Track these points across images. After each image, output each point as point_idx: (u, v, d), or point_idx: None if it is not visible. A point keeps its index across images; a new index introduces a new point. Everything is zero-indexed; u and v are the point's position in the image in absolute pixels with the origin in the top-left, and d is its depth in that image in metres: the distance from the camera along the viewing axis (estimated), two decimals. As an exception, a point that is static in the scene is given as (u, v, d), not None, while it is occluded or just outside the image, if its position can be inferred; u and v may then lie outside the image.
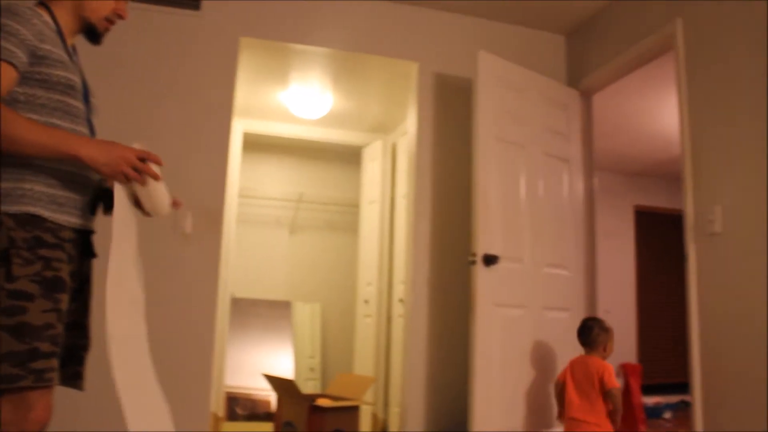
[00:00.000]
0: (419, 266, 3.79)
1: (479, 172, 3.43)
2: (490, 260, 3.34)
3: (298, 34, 3.78)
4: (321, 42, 3.82)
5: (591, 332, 3.22)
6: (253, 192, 6.00)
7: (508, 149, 3.61)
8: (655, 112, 5.45)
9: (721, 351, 2.82)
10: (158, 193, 1.71)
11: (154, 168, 1.68)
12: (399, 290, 4.72)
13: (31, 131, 1.53)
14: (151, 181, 1.67)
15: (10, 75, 1.55)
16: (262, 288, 5.98)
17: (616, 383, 3.04)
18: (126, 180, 1.65)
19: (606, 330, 3.21)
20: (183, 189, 3.38)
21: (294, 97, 4.79)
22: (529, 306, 3.55)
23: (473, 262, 3.34)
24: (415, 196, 3.85)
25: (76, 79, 1.70)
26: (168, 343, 3.25)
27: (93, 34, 1.81)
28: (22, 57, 1.57)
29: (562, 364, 3.64)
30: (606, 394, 3.04)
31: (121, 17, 1.84)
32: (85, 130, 1.72)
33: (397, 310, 4.75)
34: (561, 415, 3.29)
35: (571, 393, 3.17)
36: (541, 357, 3.57)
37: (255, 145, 5.99)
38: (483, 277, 3.34)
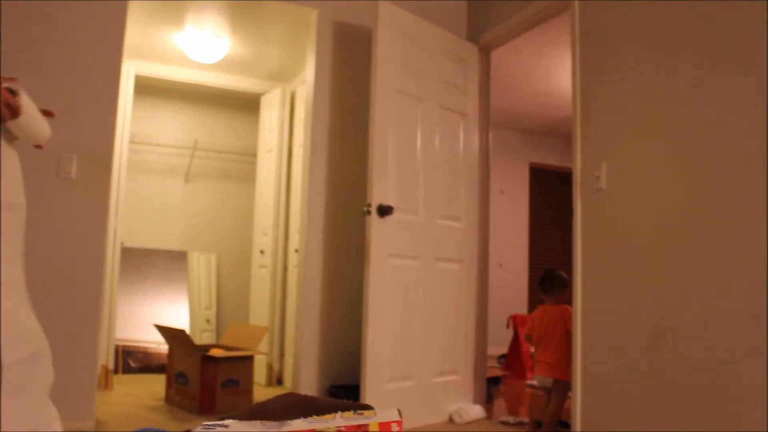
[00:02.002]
0: (314, 216, 3.77)
1: (376, 124, 3.42)
2: (384, 211, 3.36)
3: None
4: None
5: (554, 281, 3.48)
6: (146, 138, 5.76)
7: (406, 101, 3.61)
8: (553, 71, 5.59)
9: (602, 303, 2.97)
10: (34, 122, 1.61)
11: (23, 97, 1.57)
12: (295, 240, 4.69)
13: None
14: (24, 114, 1.57)
15: None
16: (157, 238, 5.80)
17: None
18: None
19: (566, 278, 3.46)
20: (68, 132, 3.20)
21: (190, 40, 4.59)
22: (422, 257, 3.61)
23: (368, 213, 3.35)
24: (311, 145, 3.80)
25: None
26: (53, 294, 3.11)
27: None
28: None
29: (454, 313, 3.74)
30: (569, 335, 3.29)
31: None
32: None
33: (293, 260, 4.72)
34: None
35: (540, 341, 3.47)
36: (434, 307, 3.65)
37: (148, 89, 5.73)
38: (377, 228, 3.35)
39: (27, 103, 1.59)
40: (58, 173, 3.20)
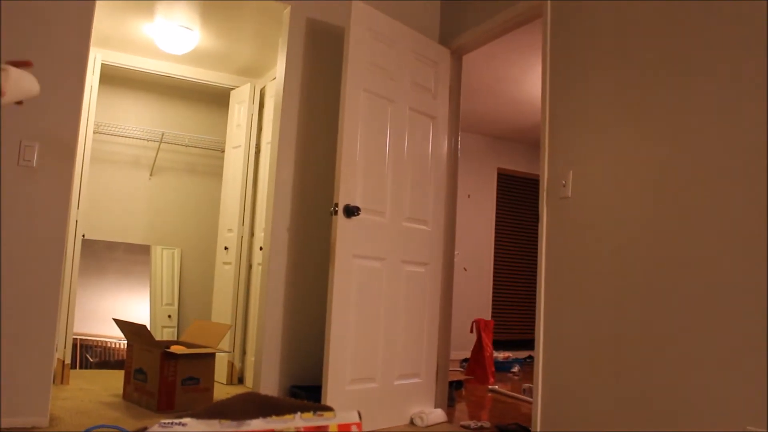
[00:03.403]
0: (280, 214, 3.74)
1: (345, 123, 3.40)
2: (350, 211, 3.34)
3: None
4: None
5: None
6: (111, 129, 5.66)
7: (375, 102, 3.60)
8: (524, 78, 5.63)
9: (565, 308, 3.00)
10: (18, 86, 1.57)
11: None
12: (260, 238, 4.65)
13: None
14: (8, 84, 1.52)
15: None
16: (119, 231, 5.70)
17: None
18: None
19: None
20: (30, 119, 3.13)
21: (159, 30, 4.52)
22: (387, 258, 3.60)
23: (334, 213, 3.34)
24: (279, 142, 3.77)
25: None
26: (10, 284, 3.03)
27: None
28: None
29: (418, 316, 3.74)
30: None
31: None
32: None
33: (258, 258, 4.68)
34: None
35: None
36: (398, 309, 3.65)
37: (115, 78, 5.64)
38: (343, 228, 3.34)
39: (15, 76, 1.54)
40: (18, 161, 3.12)
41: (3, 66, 1.50)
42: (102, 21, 4.40)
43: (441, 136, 4.03)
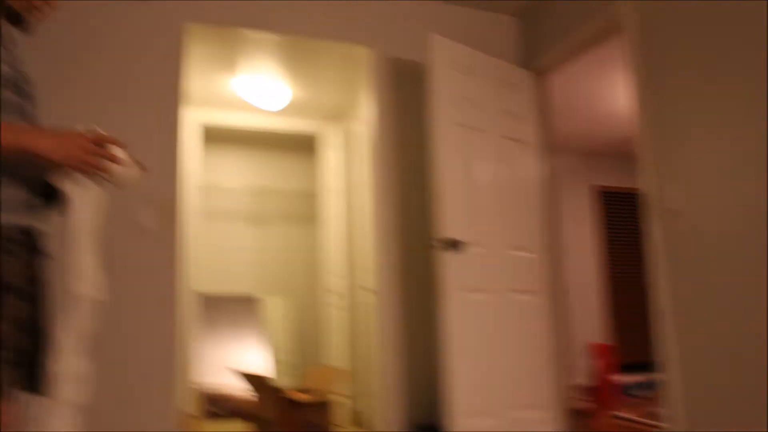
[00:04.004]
0: (384, 253, 3.77)
1: (438, 158, 3.42)
2: (454, 245, 3.34)
3: (247, 19, 3.71)
4: (271, 27, 3.76)
5: None
6: (214, 185, 5.91)
7: (465, 133, 3.60)
8: (611, 90, 5.51)
9: (688, 327, 2.86)
10: (125, 174, 1.64)
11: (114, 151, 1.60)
12: (366, 279, 4.70)
13: None
14: (113, 165, 1.59)
15: None
16: (230, 282, 5.91)
17: None
18: (89, 171, 1.54)
19: None
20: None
21: (250, 87, 4.72)
22: (494, 289, 3.56)
23: (437, 248, 3.34)
24: (374, 182, 3.82)
25: (7, 69, 1.61)
26: (128, 343, 3.18)
27: (17, 19, 1.71)
28: None
29: (532, 345, 3.66)
30: None
31: (51, 5, 1.75)
32: (17, 122, 1.63)
33: (366, 299, 4.73)
34: None
35: None
36: (511, 340, 3.58)
37: (211, 137, 5.90)
38: (447, 262, 3.33)
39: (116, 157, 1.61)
40: (127, 221, 3.28)
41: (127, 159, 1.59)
42: (195, 83, 4.64)
43: (535, 159, 3.99)
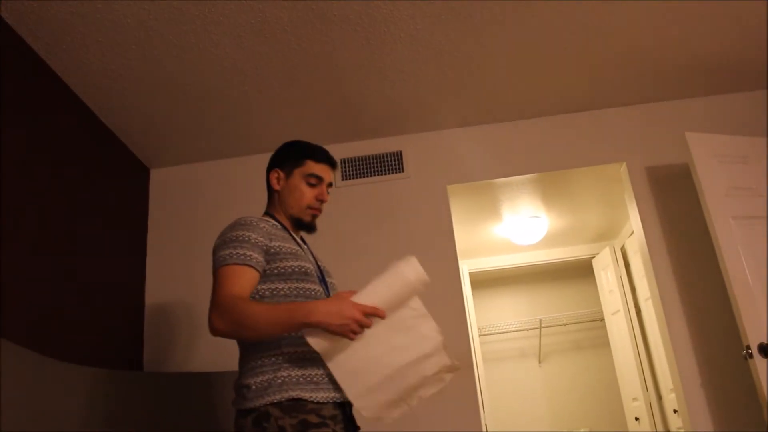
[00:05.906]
0: (686, 371, 3.44)
1: (725, 258, 3.14)
2: (766, 350, 2.97)
3: (498, 170, 3.89)
4: (522, 170, 3.88)
5: None
6: (491, 328, 5.98)
7: (748, 224, 3.30)
8: None
9: None
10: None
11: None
12: (670, 400, 4.31)
13: (265, 312, 1.67)
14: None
15: (251, 275, 1.76)
16: (521, 422, 5.78)
17: None
18: (350, 337, 1.67)
19: None
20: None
21: (511, 226, 4.84)
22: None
23: (748, 356, 2.99)
24: (659, 297, 3.59)
25: (309, 266, 1.87)
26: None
27: (302, 224, 2.02)
28: (258, 257, 1.78)
29: None
30: None
31: (322, 201, 2.04)
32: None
33: (675, 421, 4.32)
34: None
35: None
36: None
37: (483, 282, 6.04)
38: (764, 370, 2.96)
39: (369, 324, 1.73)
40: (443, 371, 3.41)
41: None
42: (461, 234, 4.86)
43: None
